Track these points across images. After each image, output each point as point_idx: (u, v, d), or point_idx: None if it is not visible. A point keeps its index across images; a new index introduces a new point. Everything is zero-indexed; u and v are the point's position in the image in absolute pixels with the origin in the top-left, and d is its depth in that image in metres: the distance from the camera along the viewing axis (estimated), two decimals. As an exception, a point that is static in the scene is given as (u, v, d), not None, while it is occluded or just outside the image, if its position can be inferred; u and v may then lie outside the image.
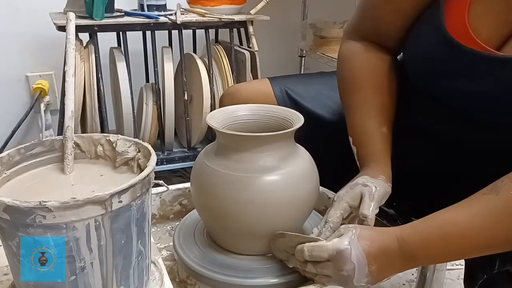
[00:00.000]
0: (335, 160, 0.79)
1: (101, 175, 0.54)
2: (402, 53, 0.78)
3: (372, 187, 0.63)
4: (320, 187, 0.71)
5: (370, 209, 0.62)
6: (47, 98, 1.64)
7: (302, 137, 0.70)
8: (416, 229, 0.56)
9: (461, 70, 0.62)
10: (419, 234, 0.55)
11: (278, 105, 0.84)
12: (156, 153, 0.51)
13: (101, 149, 0.56)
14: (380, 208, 0.66)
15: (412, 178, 0.75)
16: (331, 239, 0.57)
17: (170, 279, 0.58)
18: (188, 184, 0.77)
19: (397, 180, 0.68)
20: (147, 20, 1.37)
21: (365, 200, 0.63)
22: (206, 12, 1.45)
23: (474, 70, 0.60)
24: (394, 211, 0.79)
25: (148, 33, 1.43)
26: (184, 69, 1.45)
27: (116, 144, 0.55)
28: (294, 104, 0.86)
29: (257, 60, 1.49)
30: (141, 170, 0.49)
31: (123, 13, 1.41)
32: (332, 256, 0.55)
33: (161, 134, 1.51)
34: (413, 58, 0.71)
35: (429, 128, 0.73)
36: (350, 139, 0.74)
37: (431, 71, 0.67)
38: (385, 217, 0.80)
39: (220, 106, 0.84)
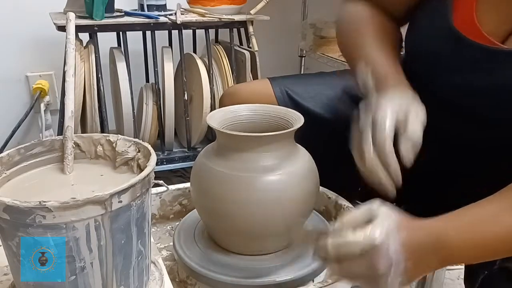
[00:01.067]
0: (335, 160, 0.79)
1: (101, 175, 0.54)
2: (404, 50, 0.77)
3: (417, 105, 0.58)
4: (320, 187, 0.71)
5: (419, 129, 0.55)
6: (47, 98, 1.64)
7: (302, 137, 0.70)
8: (452, 221, 0.51)
9: (469, 65, 0.61)
10: (456, 227, 0.51)
11: (278, 105, 0.84)
12: (156, 153, 0.51)
13: (101, 149, 0.56)
14: None
15: (415, 177, 0.75)
16: (360, 230, 0.48)
17: (170, 279, 0.58)
18: (188, 184, 0.77)
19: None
20: (147, 20, 1.37)
21: (412, 119, 0.56)
22: (206, 12, 1.45)
23: (481, 65, 0.60)
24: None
25: (148, 33, 1.43)
26: (184, 69, 1.45)
27: (116, 144, 0.55)
28: (294, 104, 0.86)
29: (257, 60, 1.49)
30: (141, 170, 0.49)
31: (123, 13, 1.41)
32: (365, 251, 0.47)
33: (161, 134, 1.51)
34: (418, 53, 0.70)
35: (431, 126, 0.73)
36: (361, 67, 0.65)
37: (436, 66, 0.66)
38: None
39: (220, 106, 0.83)
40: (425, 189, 0.76)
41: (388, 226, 0.48)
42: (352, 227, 0.49)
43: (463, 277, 0.68)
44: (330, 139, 0.83)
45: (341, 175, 0.71)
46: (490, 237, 0.51)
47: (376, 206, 0.50)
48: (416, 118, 0.56)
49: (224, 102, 0.88)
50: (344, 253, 0.48)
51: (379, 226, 0.48)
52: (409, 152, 0.55)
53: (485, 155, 0.68)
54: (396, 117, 0.56)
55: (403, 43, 0.75)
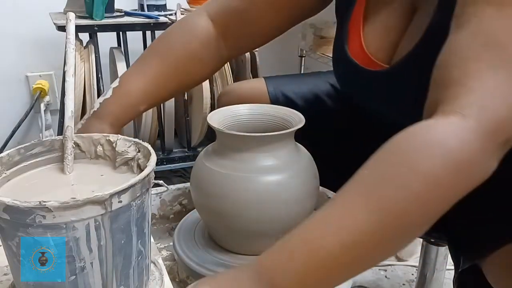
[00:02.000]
0: (332, 159, 0.79)
1: (101, 175, 0.54)
2: None
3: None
4: (320, 187, 0.71)
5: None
6: (47, 98, 1.64)
7: (302, 136, 0.70)
8: (273, 250, 0.43)
9: (365, 89, 0.66)
10: (276, 252, 0.43)
11: (271, 102, 0.84)
12: (156, 153, 0.51)
13: (101, 149, 0.56)
14: None
15: None
16: None
17: (170, 279, 0.58)
18: (188, 184, 0.77)
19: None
20: (147, 20, 1.37)
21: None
22: (206, 12, 1.45)
23: (373, 87, 0.64)
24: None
25: (148, 33, 1.43)
26: (184, 69, 1.45)
27: (116, 144, 0.55)
28: (288, 101, 0.85)
29: (257, 60, 1.48)
30: (141, 170, 0.49)
31: (123, 13, 1.41)
32: None
33: (161, 134, 1.51)
34: (336, 78, 0.74)
35: (388, 132, 0.76)
36: (115, 83, 0.70)
37: (349, 93, 0.72)
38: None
39: (218, 105, 0.84)
40: None
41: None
42: None
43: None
44: (326, 138, 0.83)
45: (341, 174, 0.71)
46: (330, 252, 0.40)
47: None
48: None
49: (221, 101, 0.89)
50: None
51: None
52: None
53: None
54: None
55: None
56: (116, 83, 0.67)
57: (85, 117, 0.68)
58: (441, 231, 0.72)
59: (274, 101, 0.84)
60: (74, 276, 0.44)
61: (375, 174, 0.41)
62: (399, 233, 0.40)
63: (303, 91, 0.87)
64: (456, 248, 0.63)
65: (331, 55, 1.70)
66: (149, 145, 0.53)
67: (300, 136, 0.69)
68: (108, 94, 0.67)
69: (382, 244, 0.40)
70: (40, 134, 1.65)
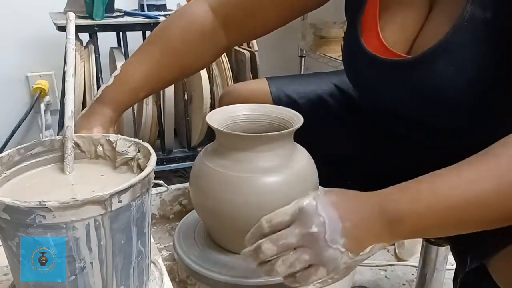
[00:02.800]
0: (333, 159, 0.79)
1: (101, 175, 0.54)
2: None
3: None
4: (320, 187, 0.71)
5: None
6: (47, 98, 1.65)
7: (299, 135, 0.70)
8: (399, 186, 0.48)
9: (383, 80, 0.66)
10: (402, 189, 0.48)
11: (273, 102, 0.84)
12: (156, 153, 0.51)
13: (101, 149, 0.56)
14: None
15: (401, 178, 0.76)
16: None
17: (170, 279, 0.58)
18: (188, 184, 0.77)
19: (394, 182, 0.69)
20: (147, 20, 1.37)
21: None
22: (206, 12, 1.45)
23: (392, 77, 0.64)
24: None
25: (148, 33, 1.43)
26: (184, 69, 1.45)
27: (116, 144, 0.55)
28: (291, 102, 0.86)
29: (257, 60, 1.49)
30: (141, 170, 0.49)
31: (123, 13, 1.41)
32: (295, 214, 0.47)
33: (161, 134, 1.51)
34: (349, 77, 0.74)
35: (394, 133, 0.76)
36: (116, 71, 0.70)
37: (363, 86, 0.72)
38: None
39: (220, 106, 0.84)
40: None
41: (316, 193, 0.48)
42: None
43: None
44: (328, 138, 0.83)
45: (341, 174, 0.71)
46: (439, 188, 0.46)
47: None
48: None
49: (223, 101, 0.89)
50: (276, 223, 0.48)
51: (306, 197, 0.48)
52: None
53: (442, 155, 0.71)
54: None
55: None
56: (117, 71, 0.69)
57: (88, 104, 0.71)
58: None
59: (277, 101, 0.84)
60: (74, 276, 0.44)
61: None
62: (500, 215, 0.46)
63: (306, 92, 0.87)
64: (462, 248, 0.63)
65: (331, 55, 1.70)
66: (149, 145, 0.53)
67: (301, 136, 0.69)
68: (109, 81, 0.69)
69: (501, 217, 0.46)
70: (40, 134, 1.65)
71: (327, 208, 0.46)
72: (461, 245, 0.64)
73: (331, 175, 0.73)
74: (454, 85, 0.59)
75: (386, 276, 1.21)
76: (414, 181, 0.48)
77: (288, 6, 0.73)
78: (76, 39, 1.11)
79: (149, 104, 1.47)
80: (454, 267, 0.68)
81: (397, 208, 0.46)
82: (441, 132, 0.68)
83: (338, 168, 0.78)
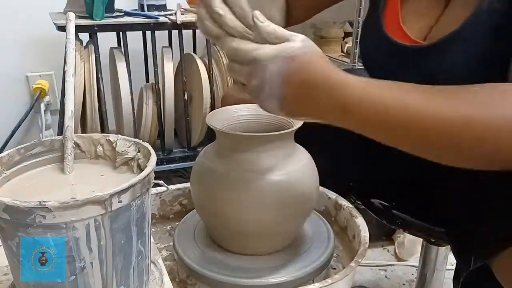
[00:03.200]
0: (335, 159, 0.79)
1: (101, 175, 0.54)
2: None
3: None
4: (320, 187, 0.71)
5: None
6: (47, 98, 1.64)
7: (302, 136, 0.70)
8: (365, 79, 0.50)
9: (402, 66, 0.66)
10: (354, 78, 0.49)
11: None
12: (156, 153, 0.51)
13: (101, 149, 0.56)
14: (379, 208, 0.66)
15: (409, 177, 0.75)
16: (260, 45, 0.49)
17: (170, 279, 0.58)
18: (188, 184, 0.77)
19: (394, 180, 0.69)
20: (147, 20, 1.37)
21: None
22: (206, 12, 1.44)
23: (410, 63, 0.65)
24: (395, 211, 0.79)
25: (148, 33, 1.43)
26: (184, 69, 1.45)
27: (116, 144, 0.55)
28: None
29: (257, 60, 1.48)
30: (141, 170, 0.49)
31: (123, 13, 1.41)
32: (249, 62, 0.49)
33: (161, 134, 1.51)
34: (364, 59, 0.75)
35: None
36: None
37: (380, 72, 0.70)
38: (385, 218, 0.80)
39: (222, 106, 0.83)
40: (421, 189, 0.76)
41: (280, 52, 0.48)
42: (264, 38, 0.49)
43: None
44: (330, 138, 0.83)
45: (342, 174, 0.71)
46: (388, 84, 0.48)
47: (296, 35, 0.50)
48: None
49: (226, 101, 0.88)
50: (235, 55, 0.50)
51: (272, 48, 0.48)
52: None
53: None
54: None
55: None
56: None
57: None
58: (445, 231, 0.72)
59: None
60: (74, 276, 0.44)
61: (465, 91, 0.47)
62: (443, 140, 0.46)
63: None
64: (465, 247, 0.62)
65: (331, 55, 1.70)
66: (149, 145, 0.53)
67: (301, 136, 0.69)
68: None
69: (427, 131, 0.46)
70: (40, 134, 1.65)
71: (274, 73, 0.48)
72: (464, 245, 0.64)
73: (331, 175, 0.73)
74: (465, 74, 0.60)
75: (386, 276, 1.21)
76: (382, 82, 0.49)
77: None
78: (76, 39, 1.10)
79: (149, 104, 1.47)
80: (454, 267, 0.68)
81: (349, 93, 0.48)
82: None
83: (338, 167, 0.77)
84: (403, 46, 0.66)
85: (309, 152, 0.70)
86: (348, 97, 0.48)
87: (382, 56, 0.70)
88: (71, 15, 0.56)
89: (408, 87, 0.48)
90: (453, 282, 0.67)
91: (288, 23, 0.77)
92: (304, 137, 0.70)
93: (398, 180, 0.69)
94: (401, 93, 0.48)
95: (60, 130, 1.40)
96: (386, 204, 0.78)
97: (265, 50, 0.48)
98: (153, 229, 0.84)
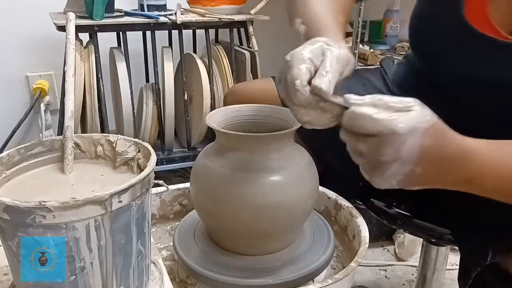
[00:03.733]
0: (338, 159, 0.79)
1: (101, 175, 0.54)
2: (409, 40, 0.77)
3: (335, 48, 0.51)
4: (320, 187, 0.71)
5: (332, 66, 0.49)
6: (47, 98, 1.64)
7: (305, 135, 0.69)
8: (492, 146, 0.48)
9: (475, 56, 0.62)
10: (490, 148, 0.48)
11: (282, 103, 0.83)
12: (156, 153, 0.51)
13: (101, 149, 0.56)
14: (379, 208, 0.66)
15: None
16: (388, 111, 0.44)
17: (170, 279, 0.58)
18: (188, 184, 0.77)
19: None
20: (147, 20, 1.37)
21: (327, 59, 0.50)
22: (206, 12, 1.45)
23: (488, 56, 0.61)
24: (396, 211, 0.79)
25: (148, 33, 1.43)
26: (184, 69, 1.45)
27: (116, 144, 0.55)
28: None
29: (257, 60, 1.49)
30: (141, 170, 0.49)
31: (123, 13, 1.41)
32: (380, 133, 0.43)
33: (161, 134, 1.51)
34: (426, 39, 0.69)
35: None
36: (297, 20, 0.62)
37: (443, 54, 0.67)
38: (385, 217, 0.80)
39: (224, 105, 0.83)
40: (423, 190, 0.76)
41: (417, 123, 0.43)
42: (384, 107, 0.44)
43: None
44: (334, 137, 0.83)
45: (343, 174, 0.71)
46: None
47: (414, 101, 0.45)
48: (331, 55, 0.50)
49: (227, 100, 0.88)
50: (358, 124, 0.44)
51: (407, 118, 0.43)
52: (319, 81, 0.48)
53: None
54: (312, 56, 0.51)
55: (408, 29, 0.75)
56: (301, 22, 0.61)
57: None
58: (450, 229, 0.71)
59: None
60: (74, 276, 0.44)
61: None
62: None
63: None
64: (476, 244, 0.61)
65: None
66: (149, 145, 0.53)
67: (301, 136, 0.69)
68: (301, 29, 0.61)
69: None
70: (40, 134, 1.65)
71: (412, 150, 0.43)
72: (475, 242, 0.63)
73: (331, 175, 0.73)
74: None
75: (386, 276, 1.21)
76: (502, 144, 0.49)
77: None
78: (76, 39, 1.10)
79: (149, 104, 1.47)
80: (454, 267, 0.68)
81: (479, 167, 0.47)
82: (504, 122, 0.64)
83: (341, 167, 0.77)
84: (483, 35, 0.60)
85: (312, 150, 0.70)
86: (477, 169, 0.47)
87: (452, 37, 0.64)
88: (71, 15, 0.56)
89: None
90: (458, 282, 0.67)
91: None
92: (307, 135, 0.70)
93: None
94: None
95: (60, 130, 1.40)
96: (386, 203, 0.78)
97: (402, 120, 0.43)
98: (153, 229, 0.84)
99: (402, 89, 0.76)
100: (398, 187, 0.46)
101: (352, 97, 0.46)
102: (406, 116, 0.43)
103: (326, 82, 0.47)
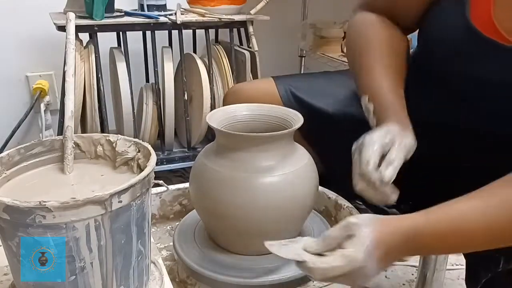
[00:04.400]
0: (340, 157, 0.79)
1: (101, 175, 0.54)
2: (417, 40, 0.78)
3: (402, 138, 0.60)
4: (320, 187, 0.71)
5: (397, 156, 0.59)
6: (47, 98, 1.64)
7: (307, 134, 0.69)
8: (430, 221, 0.54)
9: (482, 60, 0.63)
10: (433, 228, 0.53)
11: (283, 103, 0.83)
12: (156, 153, 0.51)
13: (101, 149, 0.56)
14: (379, 208, 0.66)
15: (414, 176, 0.75)
16: (342, 253, 0.52)
17: (170, 279, 0.58)
18: (188, 184, 0.77)
19: (398, 179, 0.68)
20: (147, 20, 1.37)
21: (394, 148, 0.59)
22: (206, 12, 1.45)
23: (495, 61, 0.61)
24: (395, 211, 0.79)
25: (148, 33, 1.43)
26: (184, 69, 1.45)
27: (116, 144, 0.55)
28: (299, 102, 0.85)
29: (257, 60, 1.48)
30: (141, 170, 0.49)
31: (123, 13, 1.41)
32: (348, 272, 0.51)
33: (161, 134, 1.51)
34: (433, 43, 0.71)
35: (435, 119, 0.73)
36: (364, 98, 0.69)
37: (451, 59, 0.67)
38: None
39: (224, 105, 0.83)
40: (425, 189, 0.76)
41: (367, 247, 0.51)
42: (332, 245, 0.53)
43: (463, 277, 0.68)
44: (335, 137, 0.83)
45: (345, 173, 0.71)
46: (464, 231, 0.53)
47: (354, 221, 0.52)
48: (399, 146, 0.59)
49: (227, 100, 0.88)
50: (330, 276, 0.52)
51: (359, 249, 0.50)
52: (387, 172, 0.57)
53: (489, 147, 0.69)
54: (382, 144, 0.59)
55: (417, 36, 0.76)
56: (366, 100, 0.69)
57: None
58: None
59: (287, 103, 0.83)
60: (74, 276, 0.44)
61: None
62: None
63: (314, 90, 0.87)
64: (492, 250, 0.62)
65: (331, 55, 1.70)
66: (149, 145, 0.53)
67: (302, 136, 0.69)
68: (370, 111, 0.68)
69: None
70: (40, 134, 1.65)
71: (374, 267, 0.52)
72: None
73: (334, 174, 0.73)
74: None
75: (386, 276, 1.21)
76: (442, 219, 0.54)
77: None
78: (76, 39, 1.10)
79: (149, 104, 1.47)
80: (455, 267, 0.68)
81: (424, 244, 0.54)
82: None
83: (342, 166, 0.77)
84: (490, 40, 0.61)
85: (313, 149, 0.70)
86: (421, 242, 0.53)
87: (460, 43, 0.65)
88: (71, 15, 0.56)
89: (463, 215, 0.53)
90: (466, 284, 0.67)
91: None
92: (309, 134, 0.70)
93: (401, 179, 0.69)
94: (460, 224, 0.53)
95: (60, 130, 1.40)
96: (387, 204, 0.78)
97: (357, 256, 0.51)
98: (153, 229, 0.84)
99: (408, 87, 0.77)
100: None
101: (306, 257, 0.53)
102: (357, 251, 0.51)
103: (390, 171, 0.57)
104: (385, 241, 0.52)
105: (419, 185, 0.77)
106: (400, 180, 0.69)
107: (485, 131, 0.68)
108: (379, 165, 0.58)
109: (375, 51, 0.72)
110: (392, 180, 0.57)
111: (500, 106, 0.64)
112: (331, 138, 0.83)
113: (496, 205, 0.52)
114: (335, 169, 0.72)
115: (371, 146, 0.58)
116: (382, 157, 0.59)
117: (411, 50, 0.80)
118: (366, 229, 0.52)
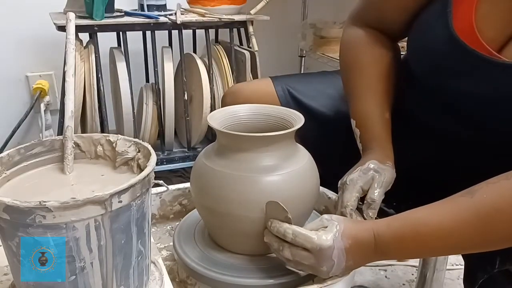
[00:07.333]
0: (337, 158, 0.79)
1: (101, 175, 0.54)
2: (406, 49, 0.78)
3: (382, 174, 0.67)
4: (320, 187, 0.71)
5: (378, 195, 0.66)
6: (47, 98, 1.65)
7: (304, 135, 0.70)
8: (391, 227, 0.58)
9: (465, 70, 0.62)
10: (393, 233, 0.57)
11: (281, 104, 0.83)
12: (156, 153, 0.51)
13: (101, 149, 0.56)
14: (380, 208, 0.66)
15: (412, 177, 0.75)
16: (316, 231, 0.58)
17: (170, 279, 0.58)
18: (188, 184, 0.77)
19: (397, 180, 0.68)
20: (147, 20, 1.37)
21: (374, 186, 0.66)
22: (206, 12, 1.45)
23: (476, 72, 0.61)
24: (394, 211, 0.79)
25: (148, 33, 1.43)
26: (184, 69, 1.45)
27: (116, 144, 0.55)
28: (296, 102, 0.85)
29: (257, 60, 1.49)
30: (141, 170, 0.49)
31: (123, 13, 1.41)
32: (314, 250, 0.56)
33: (161, 134, 1.51)
34: (418, 54, 0.71)
35: (428, 124, 0.74)
36: (353, 122, 0.75)
37: (436, 68, 0.67)
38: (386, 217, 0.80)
39: (222, 105, 0.83)
40: (423, 190, 0.76)
41: (335, 233, 0.57)
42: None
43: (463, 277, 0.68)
44: (332, 138, 0.83)
45: (343, 174, 0.71)
46: (422, 235, 0.56)
47: (328, 217, 0.60)
48: (378, 184, 0.66)
49: (226, 101, 0.88)
50: (299, 242, 0.57)
51: (330, 232, 0.57)
52: (370, 213, 0.66)
53: (482, 153, 0.69)
54: (363, 184, 0.67)
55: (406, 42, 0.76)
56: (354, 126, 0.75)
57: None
58: None
59: (284, 104, 0.84)
60: (74, 276, 0.44)
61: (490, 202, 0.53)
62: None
63: (311, 90, 0.87)
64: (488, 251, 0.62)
65: (331, 55, 1.70)
66: (149, 145, 0.53)
67: (301, 136, 0.69)
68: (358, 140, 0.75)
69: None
70: (40, 134, 1.65)
71: (340, 253, 0.56)
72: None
73: (332, 174, 0.73)
74: None
75: (386, 276, 1.21)
76: (401, 225, 0.58)
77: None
78: (76, 39, 1.11)
79: (149, 104, 1.47)
80: (455, 267, 0.68)
81: (387, 249, 0.58)
82: (498, 135, 0.65)
83: (340, 167, 0.77)
84: (473, 52, 0.60)
85: (311, 150, 0.70)
86: (390, 255, 0.59)
87: (444, 53, 0.64)
88: (71, 15, 0.56)
89: (420, 220, 0.57)
90: (463, 283, 0.67)
91: None
92: (306, 135, 0.70)
93: (399, 180, 0.69)
94: (418, 228, 0.57)
95: (60, 130, 1.40)
96: (386, 204, 0.78)
97: (327, 235, 0.57)
98: (153, 229, 0.84)
99: (399, 95, 0.77)
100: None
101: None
102: (327, 232, 0.57)
103: (372, 213, 0.66)
104: (352, 234, 0.57)
105: (418, 185, 0.77)
106: (400, 180, 0.69)
107: (475, 141, 0.69)
108: (363, 201, 0.67)
109: (364, 78, 0.76)
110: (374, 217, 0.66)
111: (488, 119, 0.65)
112: (327, 138, 0.83)
113: (454, 211, 0.55)
114: (331, 169, 0.72)
115: (351, 190, 0.66)
116: (365, 192, 0.67)
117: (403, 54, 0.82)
118: (337, 222, 0.58)
